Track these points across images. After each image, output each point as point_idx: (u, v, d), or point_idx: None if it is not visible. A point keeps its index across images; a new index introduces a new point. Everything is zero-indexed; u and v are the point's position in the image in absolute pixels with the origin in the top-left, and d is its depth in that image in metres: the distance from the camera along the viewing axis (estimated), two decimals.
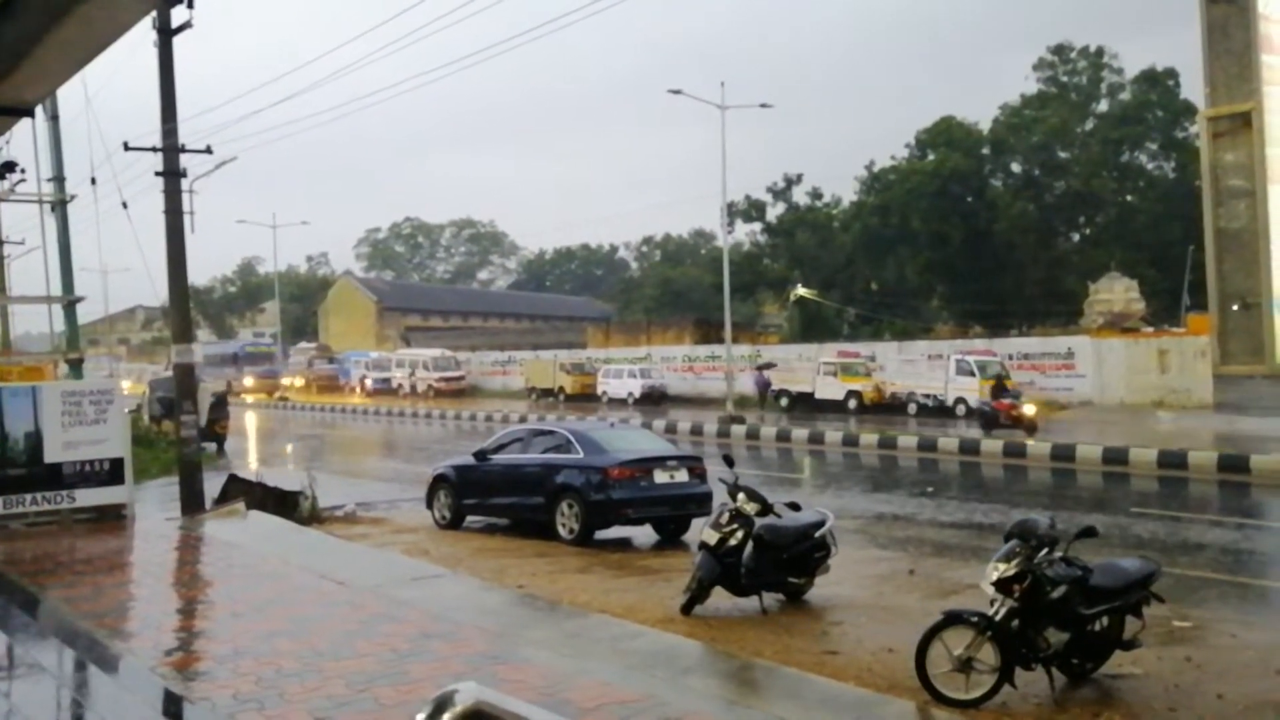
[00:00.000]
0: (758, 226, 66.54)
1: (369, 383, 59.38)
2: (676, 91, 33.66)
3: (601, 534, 13.39)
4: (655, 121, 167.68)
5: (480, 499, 14.62)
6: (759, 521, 9.56)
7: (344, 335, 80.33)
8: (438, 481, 15.13)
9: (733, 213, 61.11)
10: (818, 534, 9.69)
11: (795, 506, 10.17)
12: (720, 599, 9.47)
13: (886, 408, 36.12)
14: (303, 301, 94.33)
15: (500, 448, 14.73)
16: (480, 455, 14.61)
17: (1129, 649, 7.35)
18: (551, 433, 14.62)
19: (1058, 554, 7.06)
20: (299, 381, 65.07)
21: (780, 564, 9.52)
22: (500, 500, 14.41)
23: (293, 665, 7.04)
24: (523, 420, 33.69)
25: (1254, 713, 6.63)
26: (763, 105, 36.94)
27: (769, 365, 39.51)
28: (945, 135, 58.23)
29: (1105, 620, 7.21)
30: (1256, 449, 19.76)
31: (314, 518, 14.95)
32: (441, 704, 1.81)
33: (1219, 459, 19.50)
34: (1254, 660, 7.72)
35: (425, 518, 15.19)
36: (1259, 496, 17.08)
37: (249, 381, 62.93)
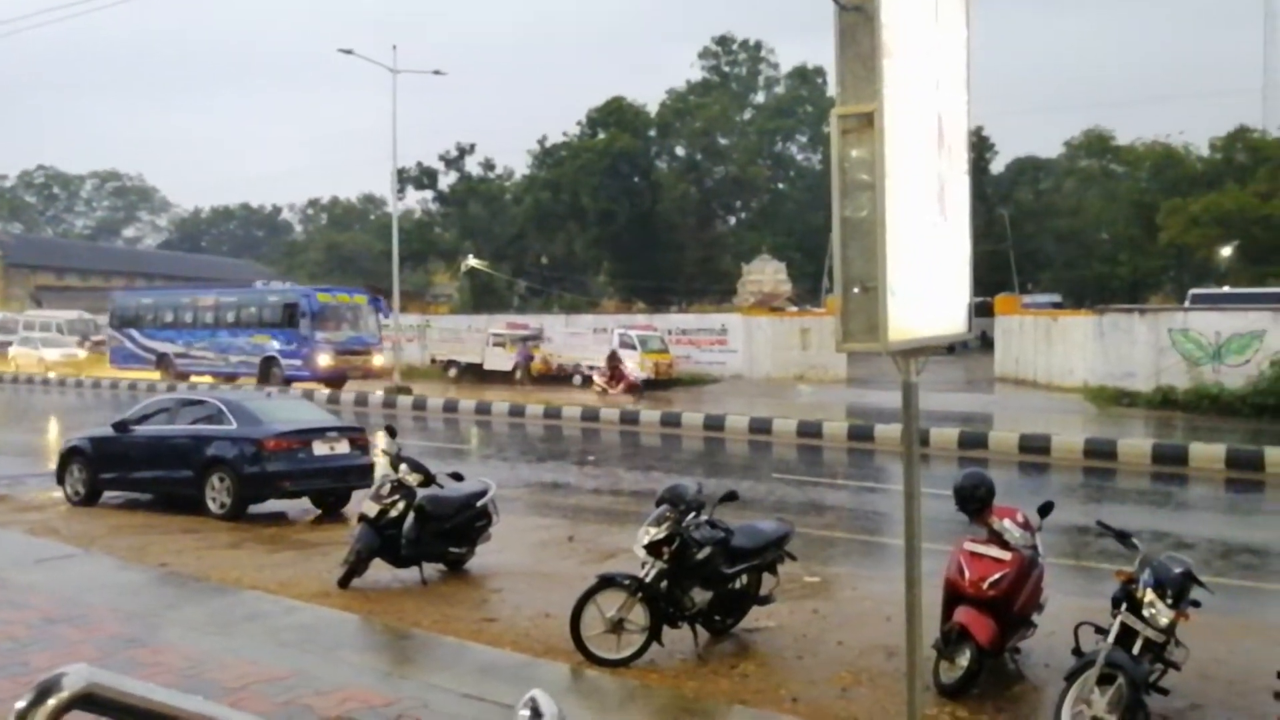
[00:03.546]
0: (430, 194, 65.76)
1: None
2: (347, 51, 32.51)
3: (256, 508, 12.84)
4: (326, 83, 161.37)
5: (121, 473, 13.60)
6: (421, 492, 9.55)
7: None
8: (71, 454, 13.89)
9: (404, 179, 60.04)
10: (480, 503, 9.79)
11: (458, 477, 10.21)
12: (380, 571, 9.36)
13: (553, 379, 36.83)
14: None
15: (144, 418, 13.74)
16: (121, 426, 13.56)
17: (765, 604, 7.95)
18: (202, 402, 13.80)
19: (704, 517, 7.51)
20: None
21: (442, 534, 9.54)
22: (144, 474, 13.46)
23: None
24: (171, 389, 31.38)
25: (867, 655, 7.37)
26: (435, 72, 36.38)
27: (534, 338, 39.06)
28: (615, 115, 59.84)
29: (745, 578, 7.76)
30: (880, 419, 21.78)
31: None
32: (46, 690, 1.66)
33: (849, 429, 21.38)
34: (870, 609, 8.55)
35: (56, 495, 13.93)
36: (881, 462, 18.86)
37: (324, 359, 34.28)
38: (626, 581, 7.19)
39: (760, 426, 22.28)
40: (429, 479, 9.69)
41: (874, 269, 4.19)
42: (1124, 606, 6.06)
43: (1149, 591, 5.99)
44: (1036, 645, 7.24)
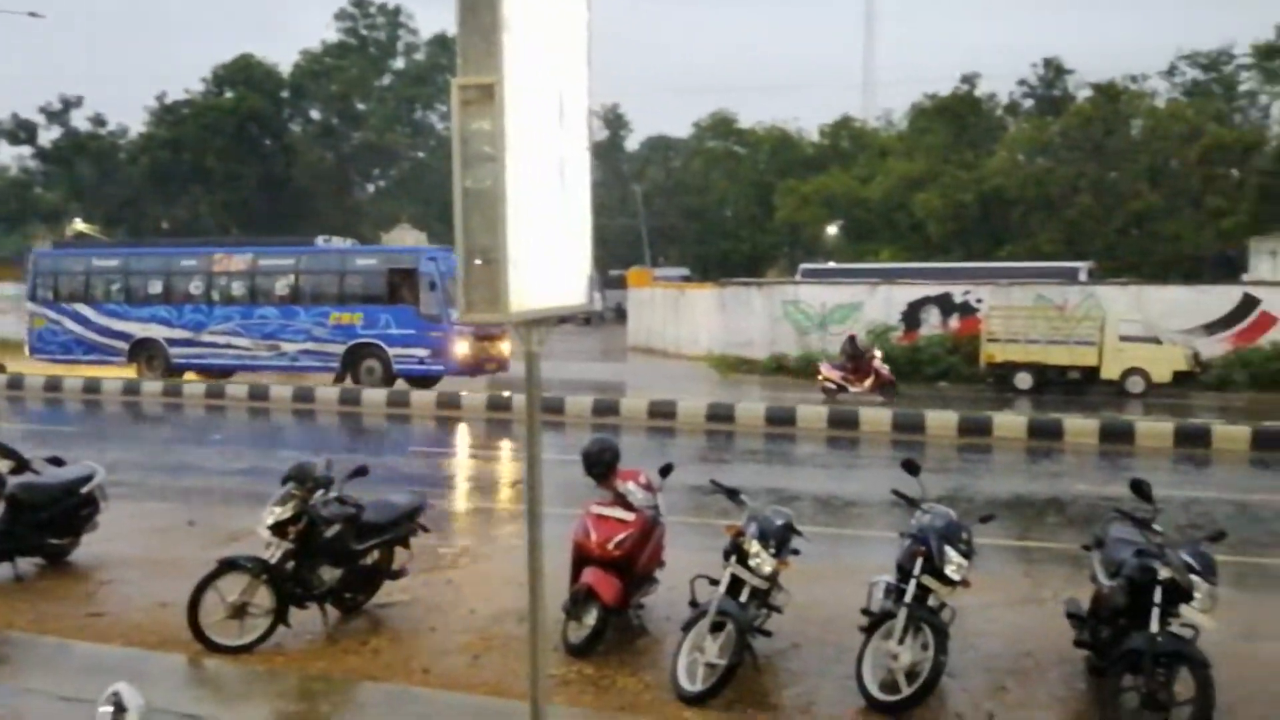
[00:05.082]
0: (28, 150, 59.33)
1: None
2: None
3: None
4: None
5: None
6: (13, 480, 8.66)
7: None
8: None
9: None
10: (85, 489, 9.02)
11: (58, 461, 9.34)
12: None
13: None
14: None
15: None
16: None
17: (397, 578, 7.89)
18: None
19: (333, 494, 7.33)
20: None
21: (39, 525, 8.71)
22: None
23: None
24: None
25: (499, 621, 7.50)
26: (31, 14, 32.81)
27: None
28: (244, 74, 56.71)
29: (376, 554, 7.67)
30: (520, 389, 22.08)
31: None
32: None
33: (487, 399, 21.50)
34: (503, 576, 8.68)
35: None
36: (519, 431, 19.10)
37: (462, 348, 23.63)
38: (249, 564, 6.89)
39: (399, 400, 21.96)
40: (23, 465, 8.81)
41: (496, 240, 4.24)
42: (733, 558, 6.54)
43: (754, 543, 6.51)
44: (659, 600, 7.66)
